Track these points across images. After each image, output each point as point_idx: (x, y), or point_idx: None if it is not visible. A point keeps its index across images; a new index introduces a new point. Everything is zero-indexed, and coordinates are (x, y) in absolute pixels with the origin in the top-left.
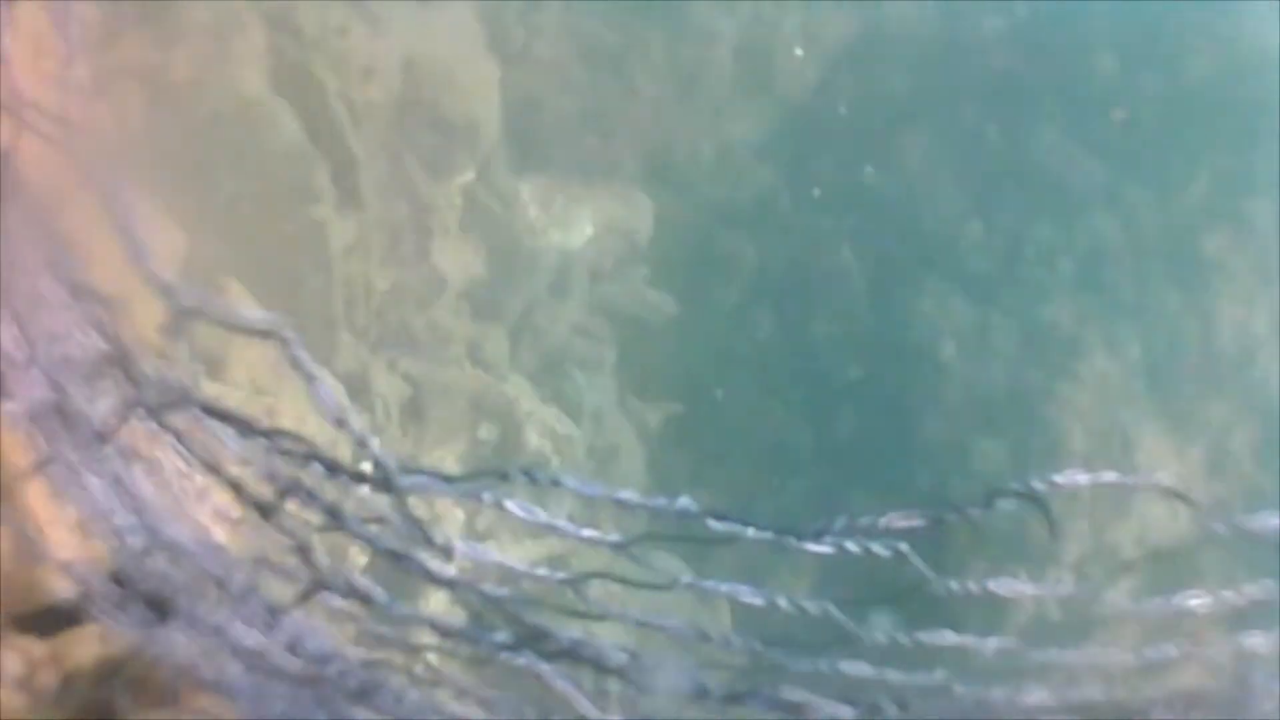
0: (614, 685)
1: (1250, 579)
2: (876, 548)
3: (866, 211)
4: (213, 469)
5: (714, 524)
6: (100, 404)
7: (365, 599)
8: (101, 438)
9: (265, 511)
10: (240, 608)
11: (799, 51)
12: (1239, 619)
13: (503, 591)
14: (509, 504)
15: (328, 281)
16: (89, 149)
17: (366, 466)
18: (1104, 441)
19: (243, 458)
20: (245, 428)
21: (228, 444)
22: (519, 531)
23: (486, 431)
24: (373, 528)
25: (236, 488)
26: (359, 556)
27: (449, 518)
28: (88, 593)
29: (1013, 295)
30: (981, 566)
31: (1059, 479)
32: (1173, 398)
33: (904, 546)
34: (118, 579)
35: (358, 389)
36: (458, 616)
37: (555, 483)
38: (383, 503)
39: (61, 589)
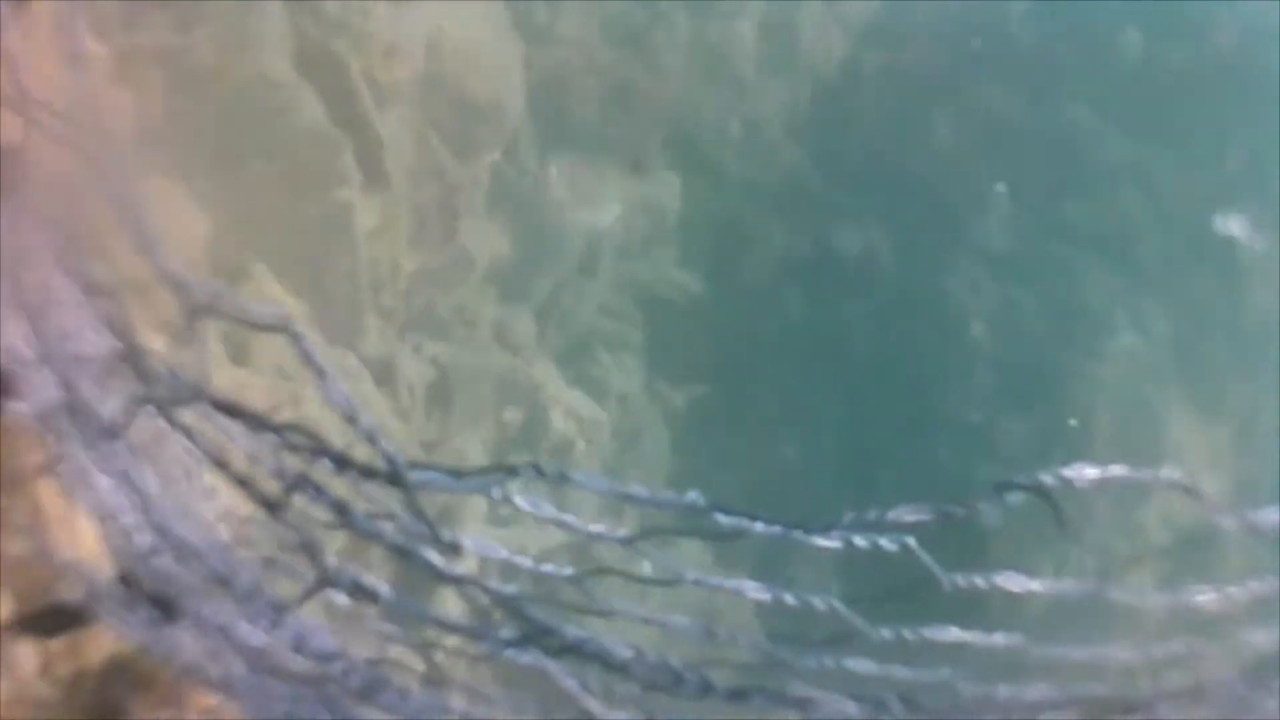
0: (621, 682)
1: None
2: (884, 542)
3: (894, 189)
4: (221, 465)
5: (722, 518)
6: (110, 401)
7: (372, 597)
8: (111, 435)
9: (273, 508)
10: (246, 606)
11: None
12: (1246, 614)
13: (510, 588)
14: (518, 498)
15: (354, 264)
16: (100, 144)
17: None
18: (1132, 420)
19: (252, 454)
20: (255, 423)
21: (237, 440)
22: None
23: (512, 415)
24: (382, 524)
25: (245, 484)
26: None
27: (471, 504)
28: (95, 592)
29: (1040, 273)
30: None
31: (1068, 473)
32: (1200, 377)
33: (911, 541)
34: (125, 578)
35: (384, 372)
36: (464, 613)
37: (563, 478)
38: (393, 499)
39: (69, 588)
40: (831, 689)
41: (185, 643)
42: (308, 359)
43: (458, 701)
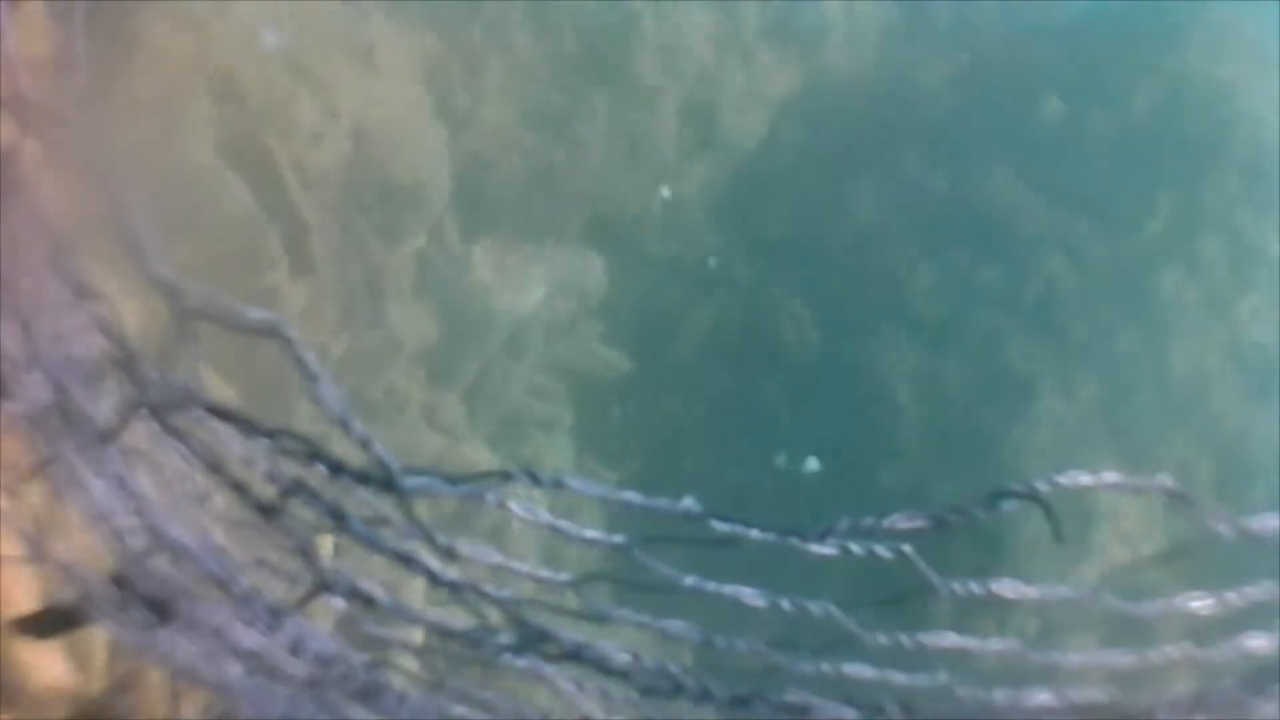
0: (619, 688)
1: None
2: (880, 549)
3: (817, 262)
4: (215, 470)
5: (718, 525)
6: (103, 405)
7: (368, 601)
8: (104, 438)
9: (268, 513)
10: (242, 610)
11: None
12: (1241, 619)
13: (505, 593)
14: (512, 505)
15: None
16: (91, 148)
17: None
18: (1055, 489)
19: (246, 458)
20: (248, 428)
21: (231, 444)
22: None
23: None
24: (378, 529)
25: (239, 488)
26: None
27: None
28: (88, 594)
29: (966, 340)
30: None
31: (1062, 479)
32: (1130, 436)
33: (907, 548)
34: (119, 580)
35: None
36: (460, 619)
37: (558, 483)
38: (386, 504)
39: (62, 591)
40: (829, 695)
41: (181, 645)
42: (299, 363)
43: (455, 705)
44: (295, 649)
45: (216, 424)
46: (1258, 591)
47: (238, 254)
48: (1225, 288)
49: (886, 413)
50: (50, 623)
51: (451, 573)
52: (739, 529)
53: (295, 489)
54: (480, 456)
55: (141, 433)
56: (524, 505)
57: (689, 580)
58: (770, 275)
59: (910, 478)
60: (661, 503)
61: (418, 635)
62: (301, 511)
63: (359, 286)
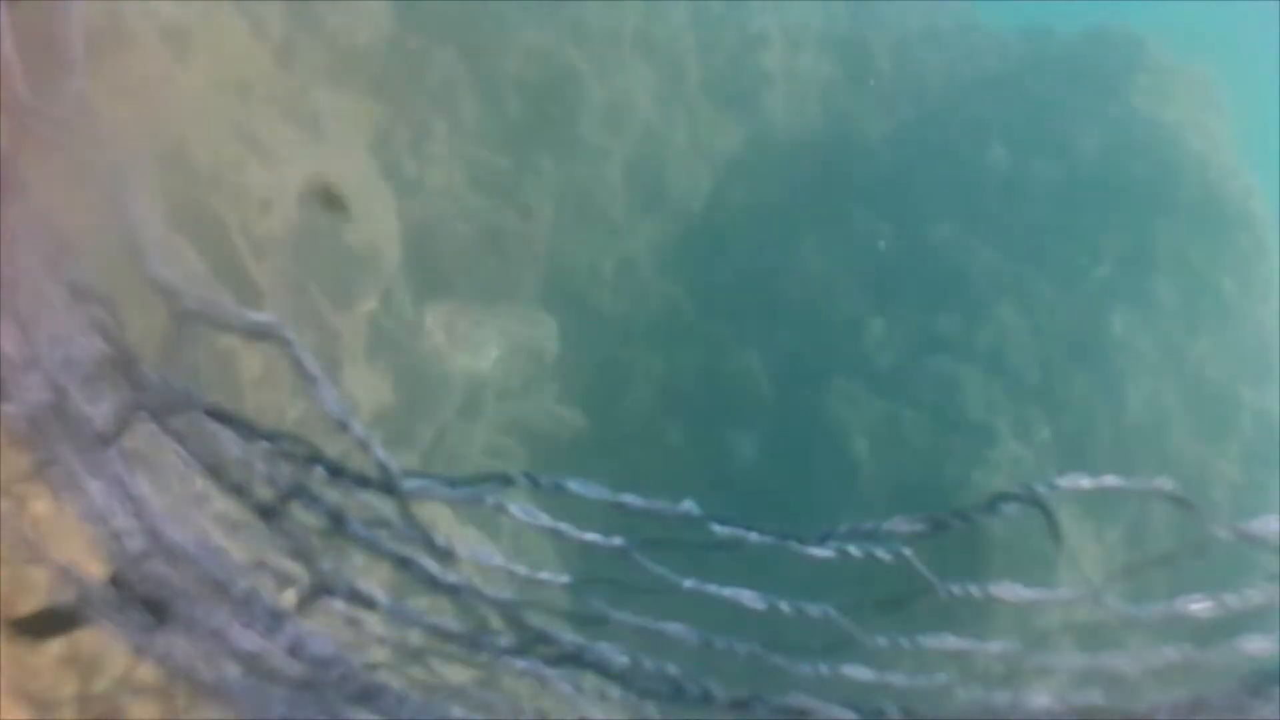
0: (616, 689)
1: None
2: (879, 552)
3: (769, 315)
4: (215, 472)
5: (717, 528)
6: (102, 406)
7: (368, 603)
8: (103, 440)
9: (268, 515)
10: (241, 611)
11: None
12: (1240, 622)
13: (505, 595)
14: (512, 507)
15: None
16: (89, 151)
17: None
18: (1022, 526)
19: (245, 461)
20: (247, 431)
21: (230, 447)
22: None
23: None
24: (377, 531)
25: (239, 491)
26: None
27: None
28: (87, 596)
29: (920, 388)
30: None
31: (1062, 482)
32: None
33: (907, 551)
34: (117, 582)
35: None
36: (460, 621)
37: (558, 486)
38: (386, 507)
39: (61, 592)
40: (829, 697)
41: (180, 646)
42: (298, 364)
43: (454, 707)
44: (294, 651)
45: (215, 426)
46: (1257, 594)
47: None
48: (1178, 328)
49: (844, 462)
50: (50, 623)
51: (450, 575)
52: (739, 532)
53: (295, 491)
54: (440, 516)
55: (141, 435)
56: (522, 507)
57: (688, 583)
58: (723, 329)
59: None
60: (661, 505)
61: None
62: (301, 514)
63: (313, 351)
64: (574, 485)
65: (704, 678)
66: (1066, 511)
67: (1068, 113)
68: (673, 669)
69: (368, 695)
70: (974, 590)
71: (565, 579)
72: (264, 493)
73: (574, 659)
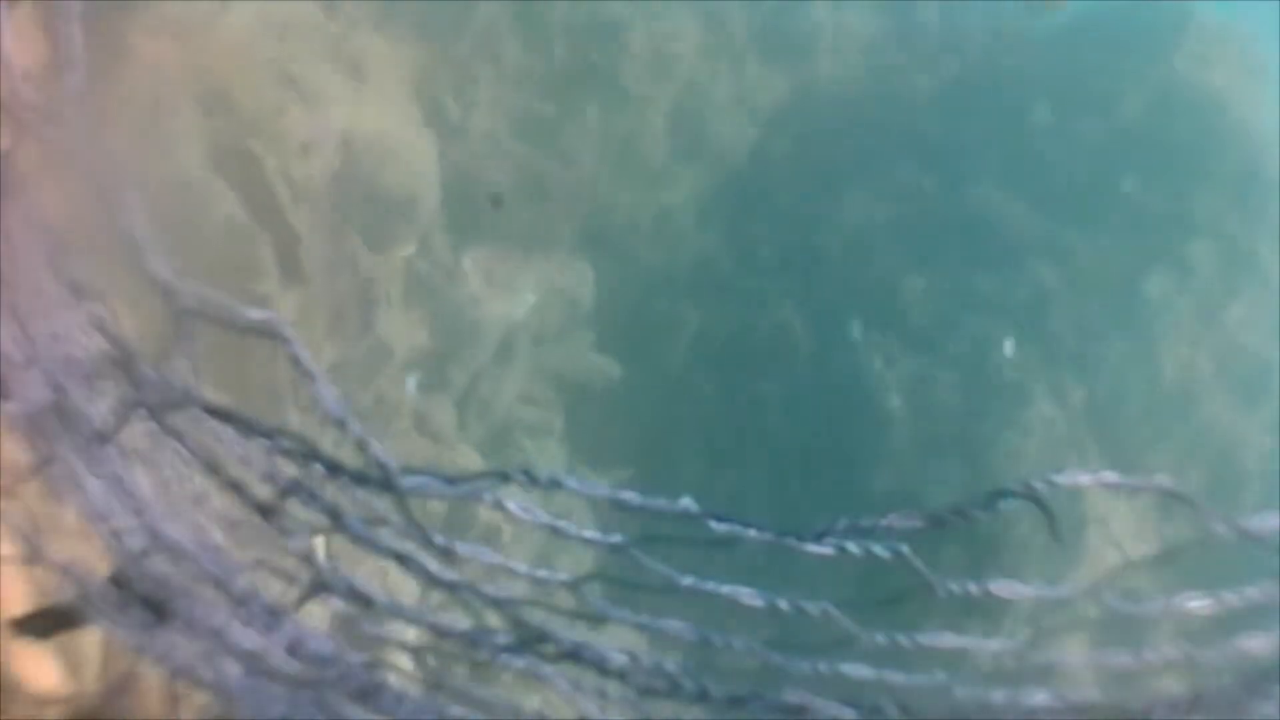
0: (615, 688)
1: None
2: (877, 549)
3: (807, 270)
4: (213, 470)
5: (715, 525)
6: (100, 404)
7: (366, 601)
8: (102, 438)
9: (266, 512)
10: (240, 610)
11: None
12: (1239, 619)
13: (504, 593)
14: (510, 504)
15: (274, 356)
16: (88, 149)
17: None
18: (1052, 490)
19: (243, 458)
20: (246, 428)
21: (228, 444)
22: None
23: (436, 503)
24: (376, 529)
25: (237, 489)
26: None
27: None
28: (86, 594)
29: (956, 346)
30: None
31: (1060, 479)
32: (1120, 443)
33: (904, 548)
34: (117, 580)
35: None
36: (458, 618)
37: (555, 483)
38: (384, 504)
39: (60, 590)
40: (827, 694)
41: (179, 645)
42: (297, 362)
43: (454, 705)
44: (293, 649)
45: (214, 424)
46: (1256, 592)
47: (228, 264)
48: (1215, 294)
49: (877, 419)
50: (48, 623)
51: (449, 573)
52: (737, 529)
53: (293, 489)
54: (471, 463)
55: (139, 433)
56: (521, 505)
57: (687, 580)
58: (760, 282)
59: (901, 484)
60: (659, 502)
61: (413, 635)
62: (299, 512)
63: (348, 296)
64: (571, 483)
65: (703, 675)
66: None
67: (1112, 74)
68: (670, 666)
69: (367, 693)
70: (973, 588)
71: (564, 576)
72: (262, 490)
73: (572, 657)
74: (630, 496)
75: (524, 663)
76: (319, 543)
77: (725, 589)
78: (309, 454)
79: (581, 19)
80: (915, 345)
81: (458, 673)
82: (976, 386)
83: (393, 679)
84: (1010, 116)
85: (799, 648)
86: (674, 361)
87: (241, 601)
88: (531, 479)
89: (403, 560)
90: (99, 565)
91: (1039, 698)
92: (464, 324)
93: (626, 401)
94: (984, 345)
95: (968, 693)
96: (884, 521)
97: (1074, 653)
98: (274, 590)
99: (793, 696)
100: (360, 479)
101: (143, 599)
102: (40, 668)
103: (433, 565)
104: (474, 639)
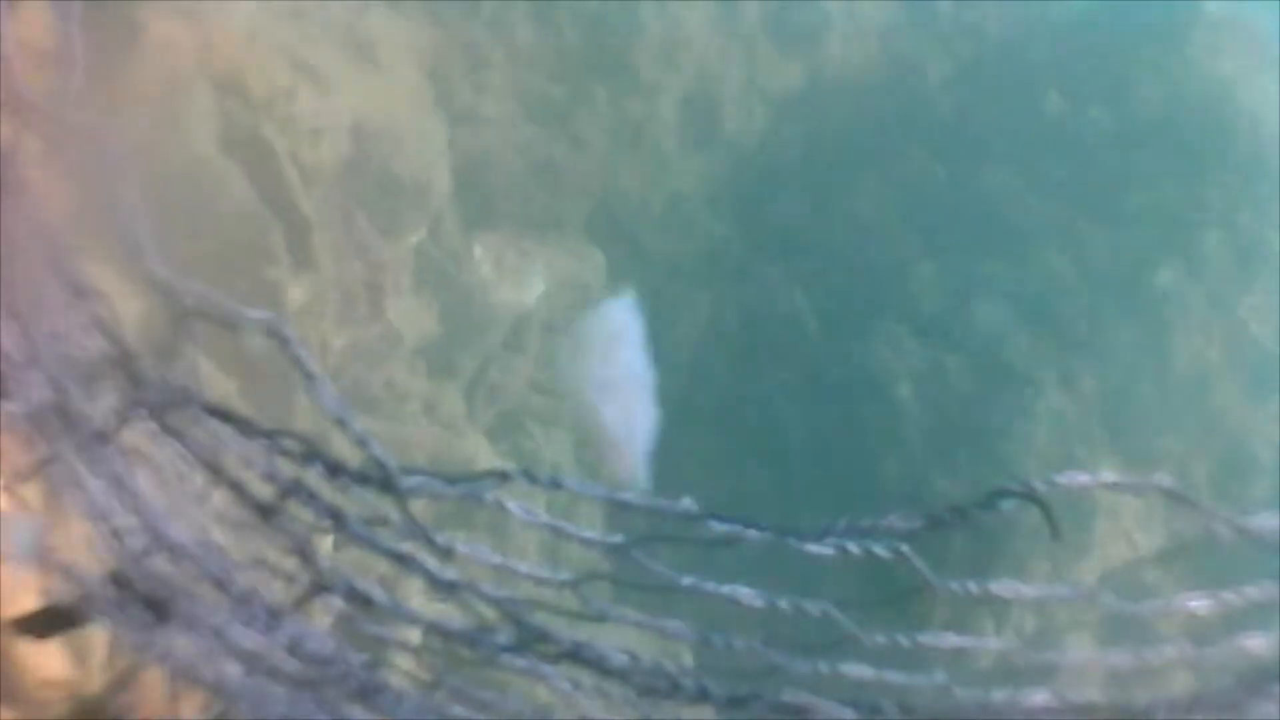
0: (618, 687)
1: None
2: (878, 549)
3: (818, 257)
4: (214, 469)
5: (716, 525)
6: (101, 404)
7: (366, 601)
8: (102, 438)
9: (266, 512)
10: (240, 609)
11: None
12: (1239, 619)
13: (504, 593)
14: (510, 504)
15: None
16: (88, 149)
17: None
18: (1052, 489)
19: (244, 458)
20: (246, 428)
21: (229, 444)
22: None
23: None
24: (374, 529)
25: (237, 488)
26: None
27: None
28: (87, 594)
29: (966, 334)
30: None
31: (1060, 479)
32: (1129, 432)
33: (904, 548)
34: (118, 580)
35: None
36: (459, 618)
37: (555, 484)
38: (384, 504)
39: (61, 590)
40: (827, 694)
41: (179, 644)
42: (297, 362)
43: (453, 704)
44: (293, 648)
45: (214, 423)
46: (1256, 592)
47: (239, 248)
48: (1226, 284)
49: (887, 407)
50: (50, 622)
51: (449, 572)
52: (736, 529)
53: (293, 489)
54: (480, 450)
55: (140, 432)
56: (521, 505)
57: (687, 580)
58: (771, 269)
59: (910, 472)
60: (660, 503)
61: (415, 635)
62: (300, 511)
63: (359, 281)
64: (571, 483)
65: (703, 675)
66: (1107, 465)
67: (1125, 63)
68: (670, 666)
69: (366, 692)
70: (973, 588)
71: (565, 575)
72: (262, 490)
73: (572, 656)
74: (631, 497)
75: (525, 662)
76: (325, 540)
77: (725, 589)
78: (309, 454)
79: (593, 4)
80: (926, 333)
81: (459, 672)
82: (986, 375)
83: (393, 678)
84: (1023, 104)
85: (799, 648)
86: (683, 347)
87: (242, 601)
88: (531, 479)
89: (403, 560)
90: (100, 564)
91: (1039, 698)
92: (474, 310)
93: None
94: (994, 333)
95: (968, 693)
96: (884, 521)
97: (1075, 652)
98: (275, 589)
99: (793, 696)
100: (361, 478)
101: (143, 598)
102: (42, 666)
103: (433, 564)
104: (474, 638)
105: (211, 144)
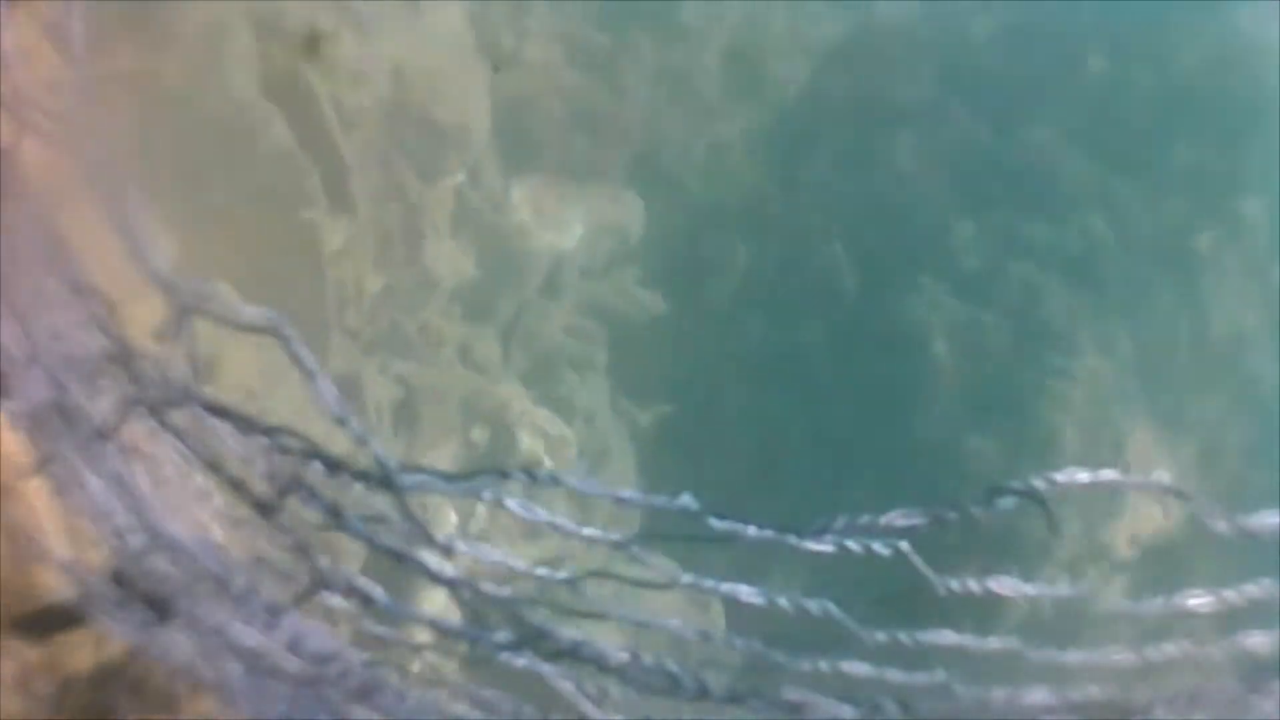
0: (614, 685)
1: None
2: (877, 546)
3: (857, 211)
4: (213, 467)
5: (715, 522)
6: (101, 402)
7: (365, 599)
8: (102, 436)
9: (266, 510)
10: (240, 608)
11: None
12: (1239, 617)
13: (503, 591)
14: (509, 502)
15: (320, 284)
16: (89, 147)
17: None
18: (1096, 439)
19: (243, 456)
20: (246, 426)
21: (228, 442)
22: (514, 534)
23: (479, 434)
24: (373, 526)
25: (237, 486)
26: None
27: (442, 520)
28: (87, 592)
29: (1004, 293)
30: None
31: (1059, 477)
32: (1165, 394)
33: (904, 545)
34: (118, 579)
35: (350, 391)
36: (457, 616)
37: (555, 481)
38: (383, 501)
39: (61, 588)
40: (826, 692)
41: (179, 643)
42: (297, 360)
43: (453, 703)
44: (293, 647)
45: (214, 421)
46: (1257, 590)
47: (277, 190)
48: (1265, 250)
49: (923, 363)
50: (50, 621)
51: (449, 570)
52: (736, 526)
53: (293, 486)
54: (514, 395)
55: (140, 430)
56: (521, 503)
57: (687, 578)
58: (809, 221)
59: (945, 428)
60: (660, 500)
61: (418, 634)
62: (299, 509)
63: (396, 224)
64: (571, 482)
65: (703, 673)
66: (1142, 426)
67: (1169, 27)
68: (670, 664)
69: (367, 691)
70: (973, 585)
71: (564, 574)
72: (262, 488)
73: (572, 654)
74: (631, 495)
75: (524, 660)
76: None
77: (725, 587)
78: (309, 451)
79: None
80: (963, 291)
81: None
82: (1023, 334)
83: (393, 677)
84: (1066, 65)
85: (799, 645)
86: (720, 298)
87: (242, 599)
88: (531, 478)
89: (402, 558)
90: (100, 564)
91: (1039, 696)
92: (511, 255)
93: (671, 336)
94: (1032, 294)
95: (968, 691)
96: (884, 519)
97: (1075, 652)
98: (274, 588)
99: (792, 694)
100: (360, 476)
101: (144, 597)
102: (41, 666)
103: (433, 562)
104: (474, 636)
105: (252, 87)
